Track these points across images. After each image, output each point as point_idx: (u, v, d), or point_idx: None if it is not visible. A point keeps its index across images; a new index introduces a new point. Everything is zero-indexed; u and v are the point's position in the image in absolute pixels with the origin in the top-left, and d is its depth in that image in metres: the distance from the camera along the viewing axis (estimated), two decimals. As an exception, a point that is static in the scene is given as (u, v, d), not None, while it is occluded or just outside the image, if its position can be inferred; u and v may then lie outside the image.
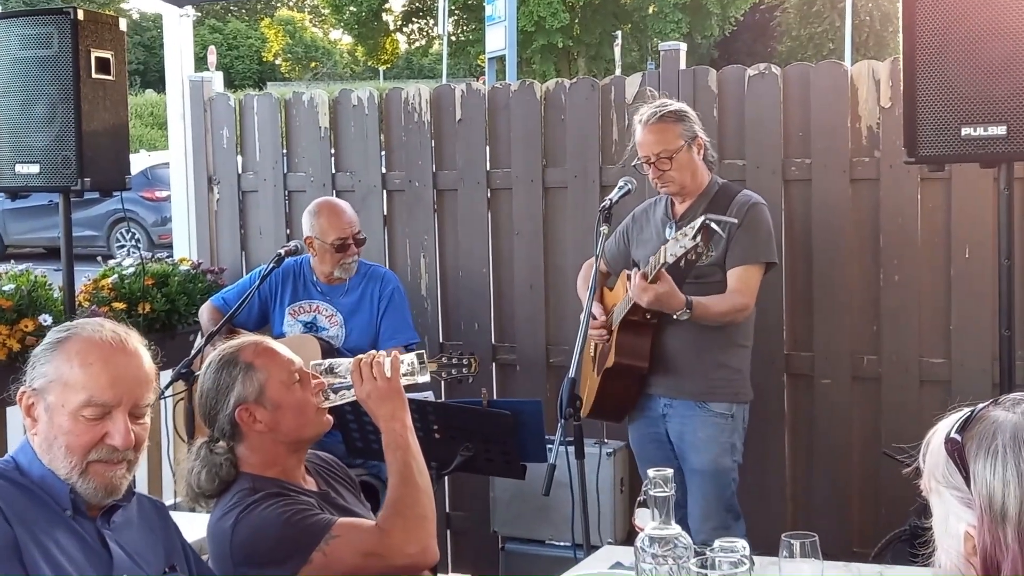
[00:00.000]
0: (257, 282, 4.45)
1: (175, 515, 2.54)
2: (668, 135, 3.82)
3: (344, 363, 2.75)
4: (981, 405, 1.53)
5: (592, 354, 4.09)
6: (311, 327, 4.53)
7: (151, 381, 2.22)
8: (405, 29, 44.40)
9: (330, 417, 2.77)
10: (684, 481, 3.87)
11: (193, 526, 2.84)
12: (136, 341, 2.22)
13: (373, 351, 2.72)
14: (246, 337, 2.79)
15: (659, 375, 3.87)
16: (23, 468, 2.15)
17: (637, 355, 3.82)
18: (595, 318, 3.96)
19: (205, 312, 4.71)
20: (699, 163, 3.88)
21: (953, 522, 1.50)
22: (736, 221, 3.65)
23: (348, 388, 2.71)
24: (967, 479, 1.47)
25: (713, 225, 3.32)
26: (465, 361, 4.20)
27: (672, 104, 3.91)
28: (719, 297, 3.75)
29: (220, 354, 2.72)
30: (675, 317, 3.63)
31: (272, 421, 2.65)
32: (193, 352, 4.24)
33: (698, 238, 3.33)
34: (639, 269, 3.77)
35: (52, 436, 2.14)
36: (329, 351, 4.41)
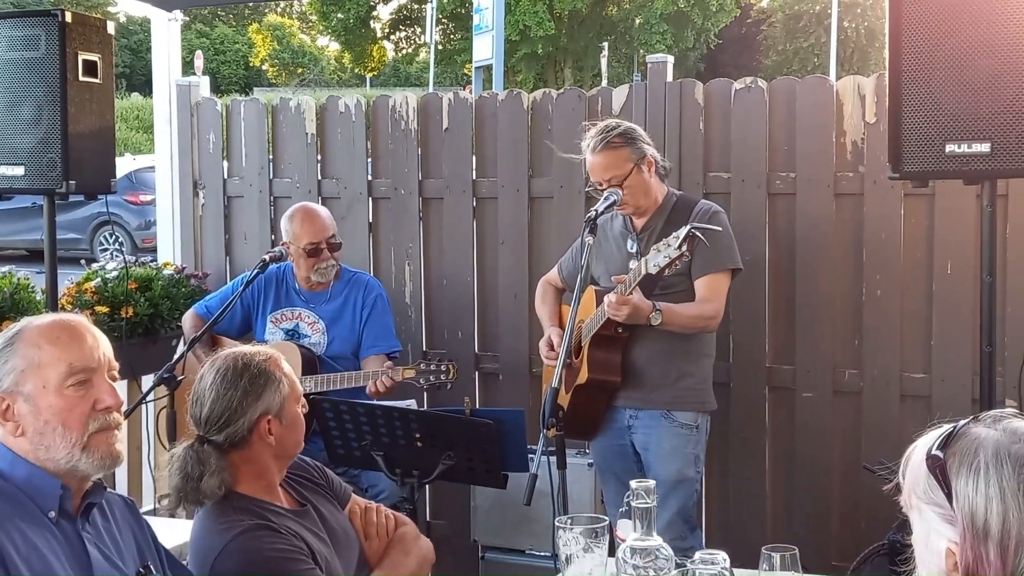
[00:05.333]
0: (241, 288, 4.44)
1: (154, 521, 2.54)
2: (616, 159, 3.83)
3: None
4: (962, 422, 1.54)
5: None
6: (293, 335, 4.52)
7: (109, 344, 2.25)
8: (392, 37, 44.50)
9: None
10: None
11: (173, 532, 2.83)
12: (77, 316, 2.27)
13: None
14: (263, 348, 2.79)
15: (626, 388, 3.88)
16: (3, 472, 2.13)
17: (610, 369, 3.84)
18: (552, 348, 3.98)
19: (188, 320, 4.71)
20: (651, 180, 3.89)
21: (934, 539, 1.51)
22: (720, 229, 3.67)
23: None
24: (949, 496, 1.48)
25: (699, 235, 3.37)
26: (444, 368, 4.21)
27: (617, 126, 3.90)
28: (688, 304, 3.79)
29: (243, 361, 2.68)
30: (648, 321, 3.66)
31: (281, 435, 2.68)
32: (176, 357, 4.23)
33: (683, 247, 3.37)
34: (598, 285, 3.87)
35: (43, 423, 2.13)
36: (310, 359, 4.40)
